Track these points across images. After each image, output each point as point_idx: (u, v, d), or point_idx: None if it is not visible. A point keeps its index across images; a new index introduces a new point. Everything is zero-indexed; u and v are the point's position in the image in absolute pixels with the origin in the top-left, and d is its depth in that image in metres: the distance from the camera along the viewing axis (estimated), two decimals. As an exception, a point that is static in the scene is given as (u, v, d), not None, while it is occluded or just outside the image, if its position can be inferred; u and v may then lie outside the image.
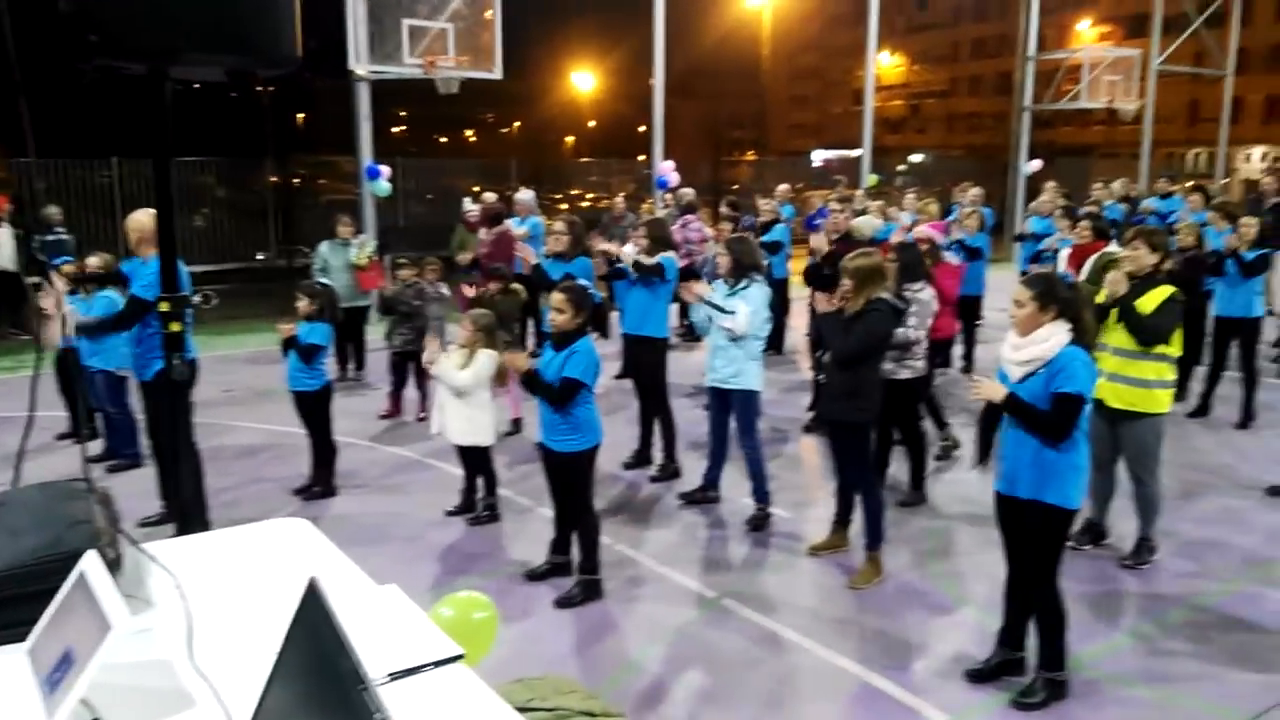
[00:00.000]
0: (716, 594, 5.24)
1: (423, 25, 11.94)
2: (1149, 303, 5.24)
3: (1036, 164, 20.38)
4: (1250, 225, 8.36)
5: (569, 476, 5.17)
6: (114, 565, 1.96)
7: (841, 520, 5.77)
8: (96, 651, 1.54)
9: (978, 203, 12.63)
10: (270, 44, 2.37)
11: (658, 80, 15.66)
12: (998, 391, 4.02)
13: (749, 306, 5.95)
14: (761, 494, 6.21)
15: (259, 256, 18.74)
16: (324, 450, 6.73)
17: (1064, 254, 8.31)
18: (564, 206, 23.06)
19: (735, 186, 25.71)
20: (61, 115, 13.89)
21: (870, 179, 19.10)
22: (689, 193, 12.97)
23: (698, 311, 6.29)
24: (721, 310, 5.98)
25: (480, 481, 6.37)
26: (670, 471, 7.09)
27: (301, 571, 2.11)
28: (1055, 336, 3.96)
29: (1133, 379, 5.27)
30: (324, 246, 9.96)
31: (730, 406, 6.17)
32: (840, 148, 39.71)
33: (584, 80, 54.49)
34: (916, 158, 47.04)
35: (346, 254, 9.81)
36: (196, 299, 4.98)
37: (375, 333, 9.82)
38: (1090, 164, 36.04)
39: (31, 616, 1.72)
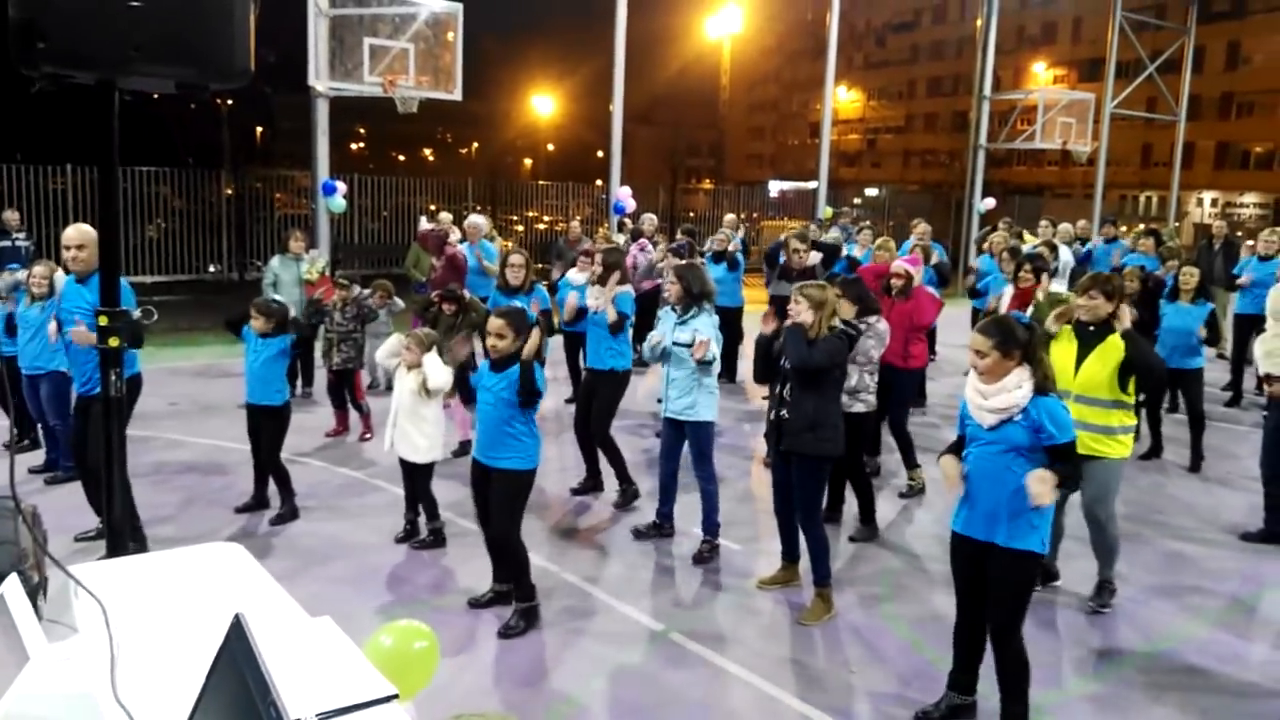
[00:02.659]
0: (664, 627, 5.16)
1: (384, 44, 11.89)
2: (1109, 352, 5.24)
3: (990, 202, 20.76)
4: (1191, 275, 8.44)
5: (502, 498, 5.04)
6: (38, 589, 1.89)
7: (790, 555, 5.71)
8: (12, 682, 1.47)
9: (925, 238, 12.89)
10: (223, 58, 2.33)
11: (617, 107, 15.74)
12: (1047, 494, 3.80)
13: (705, 335, 5.91)
14: (712, 526, 6.15)
15: (211, 269, 18.45)
16: (280, 470, 6.55)
17: (1006, 294, 8.27)
18: (520, 229, 22.99)
19: (691, 214, 25.84)
20: (15, 120, 13.61)
21: (825, 211, 19.33)
22: (650, 219, 13.03)
23: (647, 342, 6.20)
24: (688, 346, 5.92)
25: (421, 505, 6.24)
26: (631, 494, 7.03)
27: (232, 599, 2.06)
28: (1026, 383, 3.92)
29: (1095, 425, 5.25)
30: (275, 261, 9.83)
31: (685, 437, 6.11)
32: (796, 179, 40.19)
33: (544, 104, 54.65)
34: (872, 191, 47.70)
35: (298, 269, 9.69)
36: (136, 314, 4.86)
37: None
38: (1043, 203, 36.87)
39: (-54, 643, 1.65)
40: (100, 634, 1.76)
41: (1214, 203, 49.22)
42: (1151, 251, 11.84)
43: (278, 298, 7.20)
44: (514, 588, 5.13)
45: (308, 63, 11.68)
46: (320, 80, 11.83)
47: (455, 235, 11.68)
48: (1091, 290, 5.29)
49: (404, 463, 6.16)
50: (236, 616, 1.42)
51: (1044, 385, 3.95)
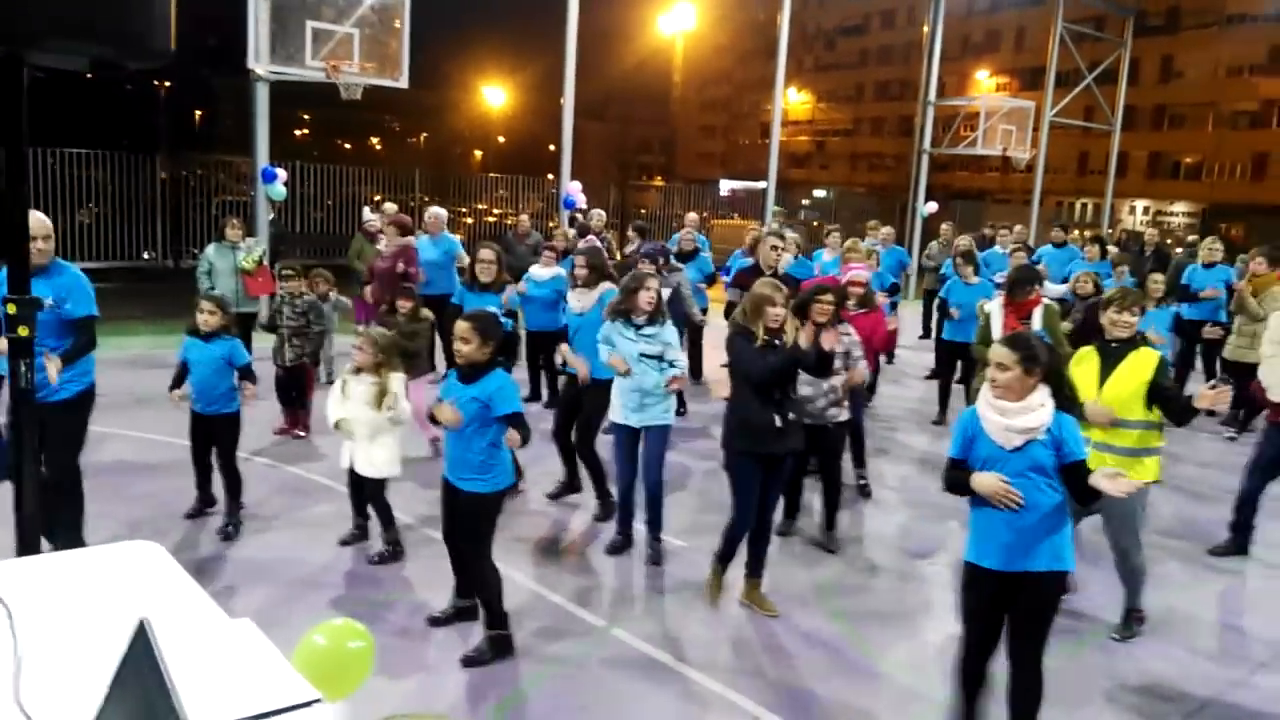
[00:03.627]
0: (647, 644, 4.91)
1: (327, 29, 11.65)
2: (1136, 368, 4.99)
3: (932, 206, 21.05)
4: (1158, 283, 8.26)
5: (472, 521, 4.69)
6: (-64, 590, 1.79)
7: (754, 569, 5.49)
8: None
9: (889, 242, 13.00)
10: (140, 35, 2.22)
11: (568, 100, 15.64)
12: (1125, 483, 3.62)
13: (669, 340, 5.81)
14: (658, 524, 6.00)
15: (145, 256, 17.98)
16: (236, 476, 6.11)
17: (995, 305, 7.75)
18: (469, 221, 22.79)
19: (642, 210, 25.84)
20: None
21: (774, 210, 19.44)
22: (599, 214, 12.96)
23: (601, 349, 5.95)
24: (657, 359, 5.73)
25: (372, 512, 5.82)
26: (610, 507, 6.57)
27: (147, 600, 1.97)
28: (1048, 402, 3.77)
29: (1121, 448, 5.05)
30: (211, 249, 9.59)
31: (641, 442, 5.91)
32: (746, 178, 40.39)
33: (495, 95, 54.30)
34: (820, 193, 48.15)
35: (234, 258, 9.46)
36: (48, 302, 4.61)
37: (261, 340, 9.42)
38: (984, 208, 37.50)
39: None
40: (4, 637, 1.67)
41: (1145, 210, 50.56)
42: (1097, 258, 11.95)
43: (218, 293, 6.66)
44: (486, 615, 4.73)
45: (247, 46, 11.41)
46: (260, 63, 11.55)
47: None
48: (1129, 305, 5.07)
49: (354, 472, 5.71)
50: (141, 621, 1.35)
51: (1066, 405, 3.79)
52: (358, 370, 5.66)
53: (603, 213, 13.21)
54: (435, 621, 4.97)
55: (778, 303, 5.10)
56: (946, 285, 9.81)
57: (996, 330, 7.33)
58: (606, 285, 6.66)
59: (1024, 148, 22.57)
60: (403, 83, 12.19)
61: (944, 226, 14.75)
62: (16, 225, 2.37)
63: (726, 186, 37.38)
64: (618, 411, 5.94)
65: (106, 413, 8.36)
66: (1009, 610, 3.87)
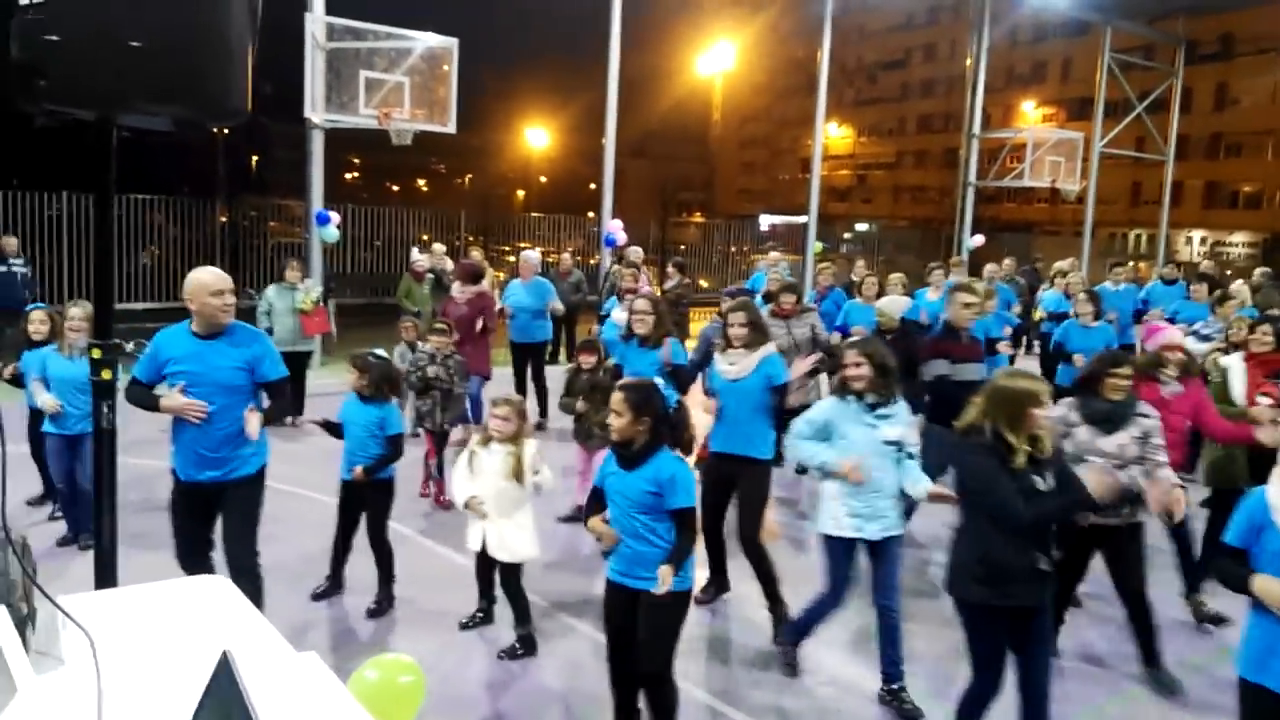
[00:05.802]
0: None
1: (380, 78, 12.00)
2: None
3: (979, 239, 20.93)
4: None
5: (654, 625, 3.89)
6: (26, 620, 1.90)
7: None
8: (1, 714, 1.48)
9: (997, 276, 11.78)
10: (219, 96, 2.38)
11: (609, 140, 15.88)
12: None
13: (909, 420, 4.84)
14: (896, 665, 4.92)
15: (203, 297, 18.43)
16: (386, 547, 5.58)
17: (1235, 361, 6.45)
18: (512, 260, 23.09)
19: (682, 247, 25.99)
20: (11, 147, 13.61)
21: (815, 246, 19.47)
22: (637, 251, 13.10)
23: (812, 448, 4.71)
24: (896, 447, 4.62)
25: (509, 604, 5.11)
26: (784, 615, 5.44)
27: (219, 633, 2.06)
28: None
29: None
30: (271, 290, 9.87)
31: (868, 556, 4.82)
32: (787, 213, 40.47)
33: (537, 136, 55.05)
34: (863, 226, 48.05)
35: (293, 298, 9.72)
36: (129, 346, 4.79)
37: (315, 378, 9.61)
38: (1032, 240, 37.16)
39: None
40: (88, 667, 1.77)
41: (1203, 241, 49.68)
42: (1204, 298, 10.34)
43: (378, 351, 6.29)
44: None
45: (304, 95, 11.78)
46: (316, 112, 11.92)
47: (440, 265, 11.59)
48: None
49: (485, 555, 5.05)
50: (224, 653, 1.43)
51: None
52: (488, 440, 5.03)
53: (639, 249, 13.32)
54: None
55: (1046, 403, 3.83)
56: (1062, 328, 8.75)
57: (1237, 392, 6.19)
58: (771, 349, 5.61)
59: (1073, 179, 22.38)
60: (450, 128, 12.49)
61: (1006, 262, 13.84)
62: (103, 273, 2.52)
63: (766, 222, 37.46)
64: (837, 521, 4.64)
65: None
66: None
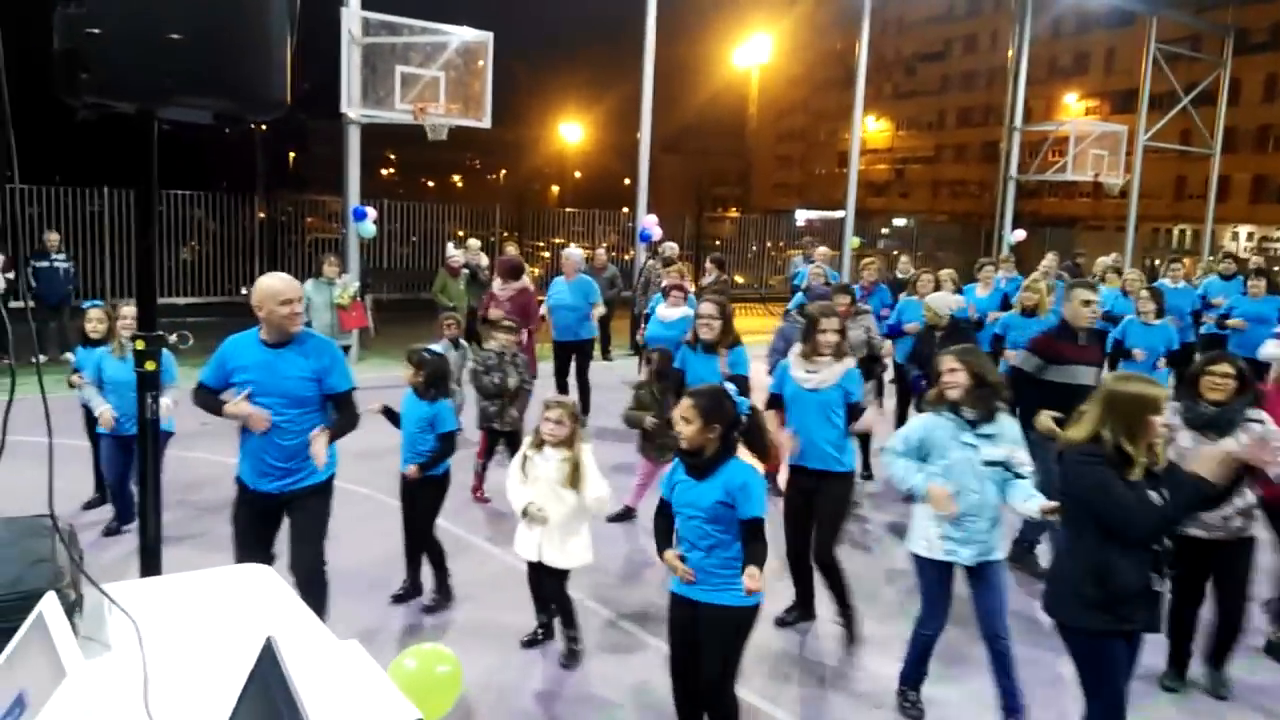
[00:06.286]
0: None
1: (415, 73, 12.08)
2: None
3: (1020, 234, 20.67)
4: None
5: (715, 642, 3.79)
6: (74, 607, 1.93)
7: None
8: (50, 697, 1.50)
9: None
10: (259, 89, 2.40)
11: (644, 135, 15.87)
12: None
13: (1016, 437, 4.41)
14: (1014, 699, 4.76)
15: (243, 291, 18.69)
16: (436, 546, 5.59)
17: None
18: (546, 255, 23.18)
19: (718, 241, 25.90)
20: (53, 143, 13.84)
21: (853, 241, 19.34)
22: (671, 246, 13.08)
23: (906, 468, 4.44)
24: (1005, 467, 4.27)
25: (555, 610, 5.04)
26: (854, 619, 5.42)
27: (262, 620, 2.09)
28: None
29: None
30: (308, 285, 9.97)
31: (969, 583, 4.51)
32: (823, 208, 40.21)
33: (572, 132, 55.16)
34: (900, 221, 47.63)
35: (330, 293, 9.82)
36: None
37: (352, 372, 9.64)
38: (1075, 235, 36.68)
39: (-14, 657, 1.69)
40: (134, 652, 1.79)
41: (1249, 236, 48.71)
42: (1264, 293, 10.13)
43: (433, 347, 6.18)
44: None
45: (340, 90, 11.88)
46: (353, 108, 12.02)
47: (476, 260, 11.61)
48: None
49: (537, 565, 4.89)
50: (269, 639, 1.45)
51: None
52: (540, 444, 4.84)
53: (674, 245, 13.29)
54: None
55: (1164, 409, 3.61)
56: (1122, 326, 8.58)
57: None
58: (852, 361, 5.40)
59: (1116, 173, 22.04)
60: (485, 123, 12.54)
61: (1049, 257, 13.68)
62: (146, 266, 2.55)
63: (802, 217, 37.29)
64: (929, 542, 4.36)
65: (209, 440, 8.67)
66: None
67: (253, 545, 4.39)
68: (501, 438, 7.20)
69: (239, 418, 4.23)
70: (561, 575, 4.87)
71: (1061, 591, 3.67)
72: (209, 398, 4.39)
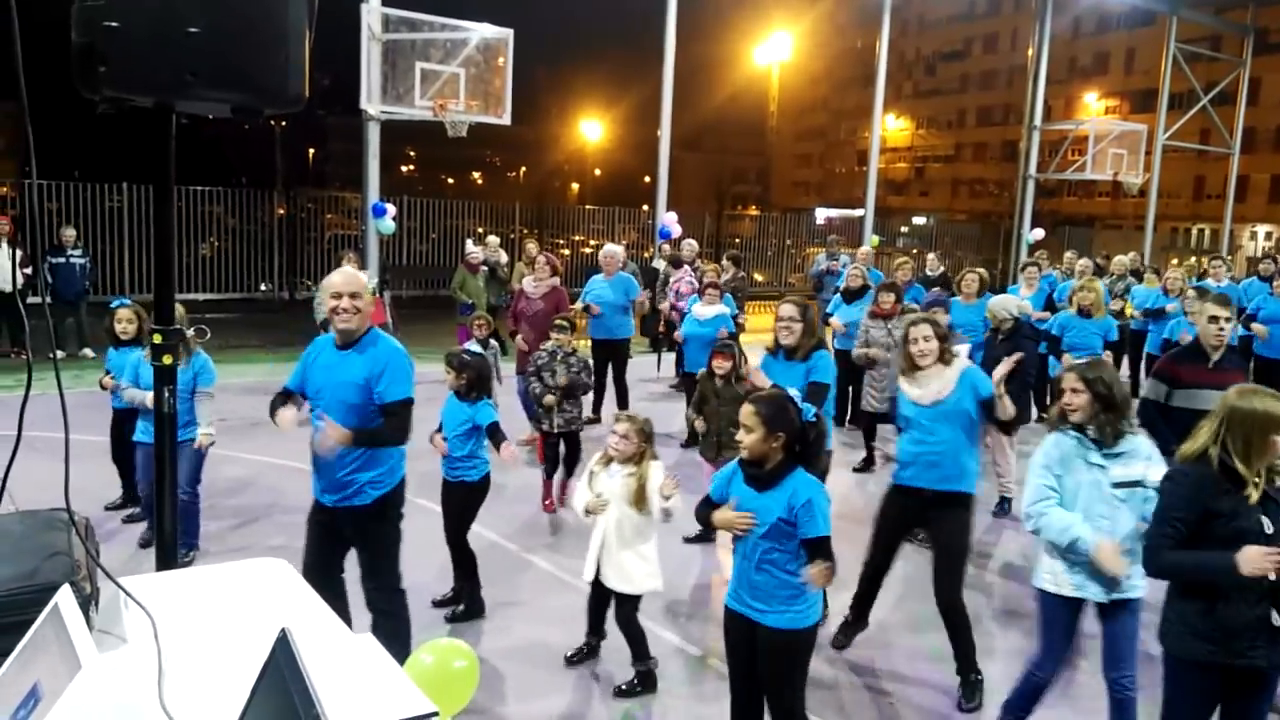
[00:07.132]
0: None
1: (435, 69, 12.10)
2: None
3: (1039, 233, 20.55)
4: None
5: (777, 664, 3.62)
6: (90, 600, 1.93)
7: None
8: (64, 690, 1.51)
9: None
10: (278, 83, 2.40)
11: (664, 132, 15.85)
12: None
13: (1150, 455, 3.97)
14: None
15: (262, 287, 18.78)
16: (466, 552, 5.40)
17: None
18: (566, 253, 23.19)
19: (737, 239, 25.86)
20: (71, 139, 13.95)
21: (872, 239, 19.24)
22: (691, 244, 13.05)
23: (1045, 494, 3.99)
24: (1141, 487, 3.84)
25: (626, 638, 4.70)
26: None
27: (277, 613, 2.09)
28: None
29: None
30: (327, 281, 10.00)
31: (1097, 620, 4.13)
32: (843, 206, 40.07)
33: (592, 129, 55.20)
34: (919, 219, 47.42)
35: (348, 290, 9.84)
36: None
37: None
38: (1094, 234, 36.41)
39: (3, 648, 1.69)
40: (149, 645, 1.79)
41: (1268, 236, 48.24)
42: None
43: (471, 347, 5.99)
44: None
45: (360, 86, 11.92)
46: (372, 104, 12.05)
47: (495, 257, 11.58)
48: None
49: (600, 586, 4.65)
50: (283, 630, 1.44)
51: None
52: (607, 461, 4.64)
53: (694, 243, 13.27)
54: None
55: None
56: (1170, 326, 8.54)
57: None
58: (965, 359, 5.01)
59: (1135, 172, 21.88)
60: (505, 119, 12.56)
61: (1067, 255, 13.71)
62: (164, 260, 2.56)
63: (822, 215, 37.17)
64: (1055, 576, 3.97)
65: (226, 436, 8.69)
66: None
67: (315, 555, 4.26)
68: (561, 440, 7.02)
69: (284, 427, 4.14)
70: (632, 603, 4.59)
71: (1172, 618, 3.43)
72: (274, 402, 4.24)
